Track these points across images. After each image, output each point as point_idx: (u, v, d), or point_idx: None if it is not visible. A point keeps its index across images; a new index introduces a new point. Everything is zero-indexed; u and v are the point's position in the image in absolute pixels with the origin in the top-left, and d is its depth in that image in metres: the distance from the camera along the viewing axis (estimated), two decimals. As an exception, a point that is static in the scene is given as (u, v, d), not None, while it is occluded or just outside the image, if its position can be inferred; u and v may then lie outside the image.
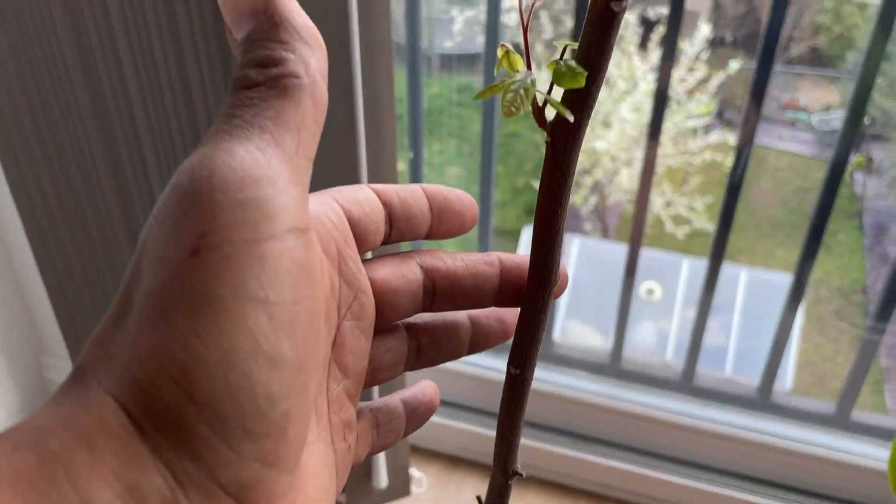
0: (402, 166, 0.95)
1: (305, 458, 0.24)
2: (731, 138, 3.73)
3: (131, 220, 0.77)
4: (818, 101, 4.60)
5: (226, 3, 0.22)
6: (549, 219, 0.25)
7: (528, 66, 0.23)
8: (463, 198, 0.30)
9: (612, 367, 1.05)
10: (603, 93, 3.73)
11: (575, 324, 2.52)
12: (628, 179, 3.62)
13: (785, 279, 2.94)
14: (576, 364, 1.06)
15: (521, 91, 0.22)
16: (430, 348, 0.31)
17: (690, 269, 2.95)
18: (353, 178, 0.65)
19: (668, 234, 3.73)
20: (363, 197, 0.28)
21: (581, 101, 0.22)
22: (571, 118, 0.22)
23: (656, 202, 3.70)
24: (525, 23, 0.22)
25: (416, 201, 0.29)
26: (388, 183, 0.72)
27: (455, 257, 0.30)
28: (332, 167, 0.65)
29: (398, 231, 0.29)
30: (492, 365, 1.07)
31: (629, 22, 3.86)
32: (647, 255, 2.88)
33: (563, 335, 2.41)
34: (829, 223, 0.87)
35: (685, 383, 1.02)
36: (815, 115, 4.44)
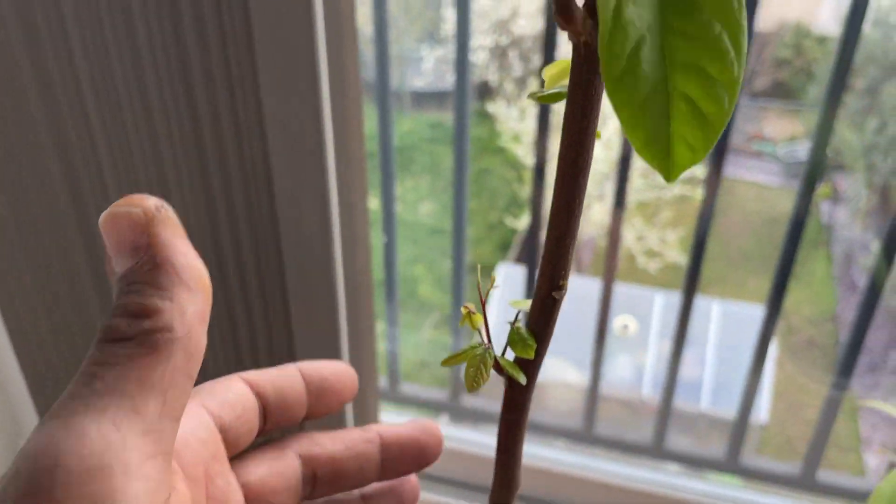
0: (374, 203, 0.95)
1: None
2: (700, 170, 3.79)
3: (104, 292, 0.75)
4: (783, 132, 4.70)
5: (107, 232, 0.21)
6: (511, 447, 0.28)
7: (489, 339, 0.26)
8: (341, 374, 0.30)
9: (586, 433, 1.04)
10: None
11: (551, 359, 2.52)
12: (600, 213, 3.66)
13: (756, 311, 2.97)
14: (548, 431, 1.05)
15: (481, 366, 0.24)
16: None
17: (664, 303, 2.97)
18: (324, 217, 0.65)
19: (641, 269, 3.76)
20: (235, 397, 0.27)
21: (532, 362, 0.26)
22: (524, 381, 0.25)
23: (628, 236, 3.74)
24: (483, 299, 0.26)
25: (293, 387, 0.28)
26: (361, 215, 0.71)
27: (334, 439, 0.29)
28: (303, 204, 0.64)
29: (273, 422, 0.28)
30: (478, 440, 1.06)
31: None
32: (620, 290, 2.89)
33: (541, 371, 2.39)
34: (799, 254, 0.87)
35: (656, 448, 1.02)
36: (780, 147, 4.53)
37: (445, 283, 3.66)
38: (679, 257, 3.68)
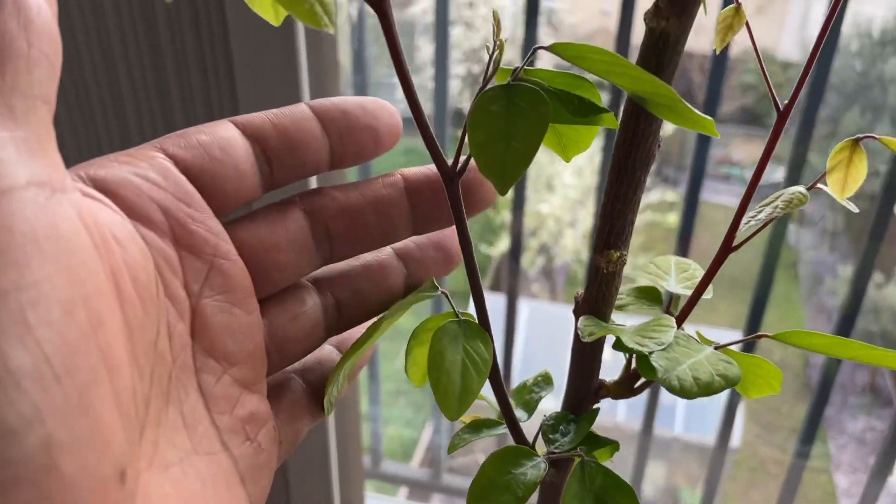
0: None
1: (159, 484, 0.19)
2: (671, 194, 3.85)
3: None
4: (750, 156, 4.80)
5: None
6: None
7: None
8: (369, 106, 0.24)
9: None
10: (544, 157, 3.80)
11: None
12: (573, 240, 3.70)
13: (727, 335, 2.99)
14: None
15: None
16: (353, 302, 0.26)
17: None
18: None
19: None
20: (211, 138, 0.22)
21: None
22: None
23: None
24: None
25: (302, 124, 0.23)
26: None
27: (346, 190, 0.25)
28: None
29: (283, 168, 0.24)
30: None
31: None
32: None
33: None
34: (774, 278, 0.89)
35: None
36: (747, 170, 4.62)
37: (420, 309, 3.65)
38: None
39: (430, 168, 0.25)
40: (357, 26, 0.86)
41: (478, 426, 0.28)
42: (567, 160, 0.26)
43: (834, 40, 0.75)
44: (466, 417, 0.29)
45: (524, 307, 3.23)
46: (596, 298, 0.26)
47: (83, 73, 0.61)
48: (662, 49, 0.20)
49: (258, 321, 0.23)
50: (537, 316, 3.14)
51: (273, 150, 0.23)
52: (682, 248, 0.91)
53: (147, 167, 0.21)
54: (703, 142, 0.84)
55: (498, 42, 0.22)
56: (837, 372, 0.91)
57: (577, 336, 0.26)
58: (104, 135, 0.63)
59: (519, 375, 2.63)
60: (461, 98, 4.24)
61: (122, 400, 0.17)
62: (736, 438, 2.68)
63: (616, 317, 0.27)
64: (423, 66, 4.14)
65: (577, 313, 0.26)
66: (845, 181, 0.22)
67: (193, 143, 0.22)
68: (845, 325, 0.87)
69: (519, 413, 0.29)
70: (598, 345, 0.27)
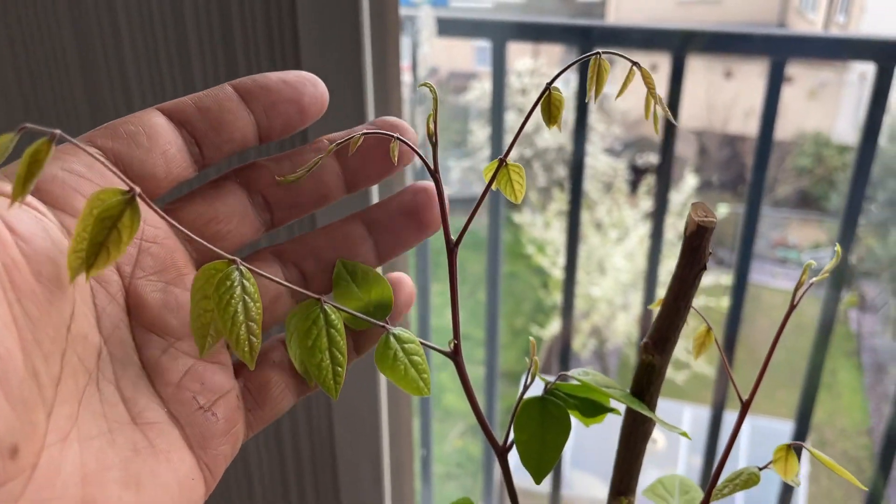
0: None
1: (74, 454, 0.20)
2: (726, 278, 3.79)
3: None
4: (807, 239, 4.71)
5: None
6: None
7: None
8: (290, 79, 0.25)
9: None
10: (596, 240, 3.78)
11: (579, 474, 2.48)
12: (625, 323, 3.65)
13: (787, 426, 2.90)
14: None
15: None
16: (319, 272, 0.27)
17: (693, 417, 2.93)
18: (374, 424, 0.64)
19: (668, 379, 3.71)
20: (137, 127, 0.24)
21: None
22: None
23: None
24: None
25: (224, 104, 0.24)
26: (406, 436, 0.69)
27: (279, 160, 0.26)
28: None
29: (211, 147, 0.25)
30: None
31: (618, 170, 4.02)
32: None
33: (569, 487, 2.36)
34: (826, 363, 0.87)
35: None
36: (805, 254, 4.53)
37: (478, 385, 3.62)
38: (706, 368, 3.64)
39: (353, 130, 0.26)
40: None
41: None
42: (587, 426, 0.32)
43: (878, 125, 0.75)
44: None
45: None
46: None
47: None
48: (650, 374, 0.30)
49: None
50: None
51: (199, 132, 0.24)
52: (731, 332, 0.91)
53: (74, 160, 0.22)
54: (750, 225, 0.85)
55: (533, 362, 0.28)
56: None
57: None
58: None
59: (571, 460, 2.57)
60: (513, 180, 4.31)
61: (10, 385, 0.18)
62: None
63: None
64: (476, 149, 4.23)
65: None
66: (785, 469, 0.29)
67: (121, 134, 0.23)
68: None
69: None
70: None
